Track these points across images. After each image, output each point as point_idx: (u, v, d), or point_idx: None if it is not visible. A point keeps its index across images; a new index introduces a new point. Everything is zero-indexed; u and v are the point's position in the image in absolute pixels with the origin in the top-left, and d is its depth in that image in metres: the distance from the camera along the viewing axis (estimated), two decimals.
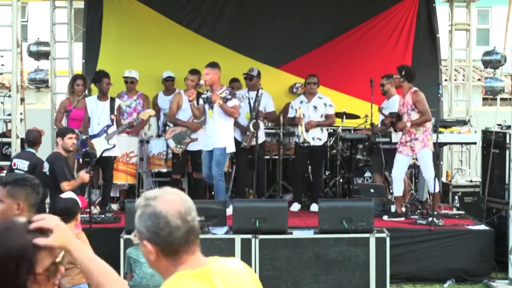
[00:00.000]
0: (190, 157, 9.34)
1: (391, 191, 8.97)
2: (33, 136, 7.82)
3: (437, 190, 8.59)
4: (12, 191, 3.69)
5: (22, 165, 7.48)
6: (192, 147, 9.25)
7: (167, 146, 9.33)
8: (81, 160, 8.80)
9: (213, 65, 8.54)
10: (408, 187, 9.23)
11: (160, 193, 2.20)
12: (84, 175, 7.17)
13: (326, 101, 9.52)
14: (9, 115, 8.84)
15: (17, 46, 8.46)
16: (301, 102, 9.47)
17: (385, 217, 8.59)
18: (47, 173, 7.26)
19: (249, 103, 9.43)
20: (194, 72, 9.40)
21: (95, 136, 8.85)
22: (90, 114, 8.97)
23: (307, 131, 9.29)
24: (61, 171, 7.12)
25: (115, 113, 8.97)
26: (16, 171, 7.36)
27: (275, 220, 7.52)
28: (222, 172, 8.62)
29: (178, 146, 9.17)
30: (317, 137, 9.43)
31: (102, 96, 9.02)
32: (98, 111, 8.93)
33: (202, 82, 8.48)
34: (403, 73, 8.60)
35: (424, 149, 8.47)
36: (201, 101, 8.61)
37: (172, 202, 2.16)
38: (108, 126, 8.86)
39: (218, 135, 8.47)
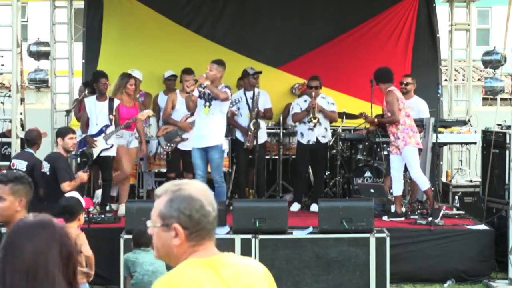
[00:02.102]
0: (182, 157, 9.28)
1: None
2: (31, 136, 7.79)
3: (427, 186, 8.60)
4: (15, 188, 3.74)
5: (21, 165, 7.46)
6: (185, 147, 9.21)
7: (158, 143, 9.32)
8: (79, 159, 8.82)
9: (219, 62, 8.41)
10: (416, 186, 9.28)
11: (187, 181, 2.29)
12: (82, 175, 7.16)
13: (328, 100, 9.53)
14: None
15: (17, 46, 8.46)
16: (305, 101, 9.46)
17: (385, 217, 8.59)
18: (47, 173, 7.23)
19: (247, 103, 9.43)
20: (190, 72, 9.36)
21: (93, 136, 8.85)
22: (88, 114, 8.96)
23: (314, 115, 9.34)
24: (63, 171, 7.09)
25: (114, 113, 8.95)
26: (14, 171, 7.34)
27: (275, 220, 7.52)
28: (222, 174, 8.57)
29: (168, 144, 9.16)
30: (322, 135, 9.43)
31: (101, 96, 9.00)
32: (96, 111, 8.91)
33: (204, 75, 8.27)
34: (375, 77, 8.84)
35: (405, 147, 8.53)
36: (196, 93, 8.36)
37: (202, 190, 2.26)
38: (106, 126, 8.85)
39: (213, 133, 8.33)
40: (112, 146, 8.81)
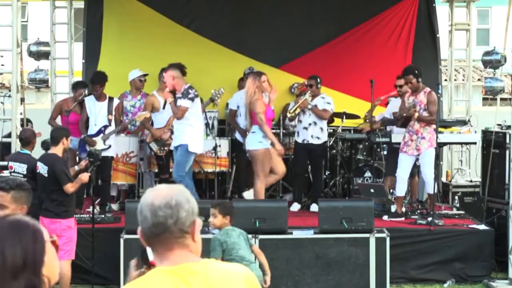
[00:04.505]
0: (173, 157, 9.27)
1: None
2: (25, 135, 7.64)
3: (431, 191, 8.61)
4: (17, 196, 3.66)
5: (20, 168, 7.33)
6: None
7: (150, 149, 9.27)
8: (77, 159, 8.78)
9: (170, 66, 8.47)
10: (416, 186, 9.27)
11: (158, 186, 2.26)
12: (83, 176, 7.09)
13: (326, 100, 9.51)
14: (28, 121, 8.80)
15: (17, 46, 8.47)
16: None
17: (385, 217, 8.59)
18: (44, 174, 7.06)
19: None
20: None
21: (92, 136, 8.83)
22: (88, 114, 8.94)
23: (299, 111, 9.31)
24: (64, 173, 6.99)
25: (113, 113, 8.93)
26: (13, 174, 7.24)
27: (275, 220, 7.52)
28: (184, 173, 8.37)
29: (162, 148, 9.14)
30: (316, 136, 9.43)
31: (100, 96, 8.98)
32: (95, 111, 8.89)
33: (167, 89, 8.38)
34: (416, 72, 8.65)
35: (430, 148, 8.51)
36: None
37: (156, 194, 2.20)
38: (105, 127, 8.82)
39: (180, 134, 8.39)
40: (110, 146, 8.78)
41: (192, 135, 8.39)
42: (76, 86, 9.50)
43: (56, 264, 2.14)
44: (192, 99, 8.35)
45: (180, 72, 8.46)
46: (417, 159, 8.69)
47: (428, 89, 8.61)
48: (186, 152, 8.38)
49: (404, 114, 8.65)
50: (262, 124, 8.35)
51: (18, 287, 2.03)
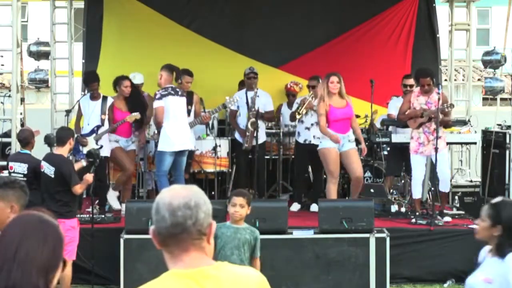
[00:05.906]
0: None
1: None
2: (24, 135, 7.59)
3: (448, 189, 8.61)
4: (3, 194, 3.62)
5: (21, 168, 7.29)
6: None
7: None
8: (74, 159, 8.77)
9: (161, 68, 8.51)
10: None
11: (175, 186, 2.24)
12: (88, 177, 7.07)
13: None
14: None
15: (17, 46, 8.48)
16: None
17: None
18: (50, 175, 7.03)
19: (247, 102, 9.44)
20: (190, 73, 9.39)
21: (84, 136, 8.81)
22: (83, 113, 8.93)
23: (306, 112, 9.31)
24: (73, 175, 6.97)
25: (107, 112, 8.89)
26: (13, 174, 7.22)
27: (275, 220, 7.52)
28: (159, 172, 8.42)
29: None
30: (317, 136, 9.42)
31: (95, 96, 8.96)
32: (89, 111, 8.87)
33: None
34: (432, 75, 8.65)
35: (445, 148, 8.55)
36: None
37: (173, 194, 2.18)
38: (98, 127, 8.80)
39: None
40: (101, 146, 8.75)
41: (161, 134, 8.43)
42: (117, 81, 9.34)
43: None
44: (160, 98, 8.36)
45: (168, 72, 8.46)
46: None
47: (440, 90, 8.59)
48: (157, 151, 8.47)
49: (433, 116, 8.46)
50: (319, 125, 8.44)
51: (39, 282, 2.07)
